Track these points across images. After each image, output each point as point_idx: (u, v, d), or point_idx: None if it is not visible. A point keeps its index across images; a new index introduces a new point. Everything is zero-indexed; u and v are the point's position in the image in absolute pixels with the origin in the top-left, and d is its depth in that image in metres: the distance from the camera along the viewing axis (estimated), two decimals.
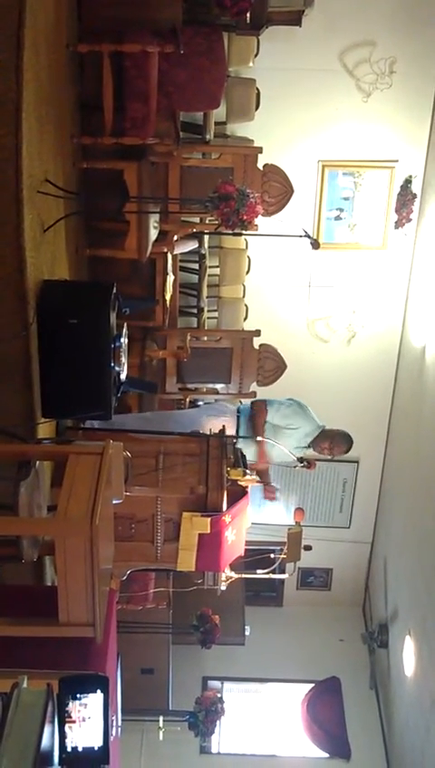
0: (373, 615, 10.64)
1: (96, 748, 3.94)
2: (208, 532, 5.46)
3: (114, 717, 5.46)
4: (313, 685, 10.20)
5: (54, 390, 5.38)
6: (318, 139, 8.63)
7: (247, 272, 8.83)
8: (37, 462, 4.80)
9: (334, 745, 9.73)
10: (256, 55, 7.98)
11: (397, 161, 8.70)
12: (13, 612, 4.38)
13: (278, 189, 7.49)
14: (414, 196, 8.75)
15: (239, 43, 7.78)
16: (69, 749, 3.87)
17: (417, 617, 8.55)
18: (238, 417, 7.16)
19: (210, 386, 8.09)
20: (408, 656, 8.78)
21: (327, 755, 9.71)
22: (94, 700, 3.92)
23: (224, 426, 6.47)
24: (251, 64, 8.01)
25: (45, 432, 5.69)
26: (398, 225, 8.86)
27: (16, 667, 4.18)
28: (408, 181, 8.74)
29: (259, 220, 6.23)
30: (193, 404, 8.40)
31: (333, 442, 7.13)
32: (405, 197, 8.77)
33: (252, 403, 7.25)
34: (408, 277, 9.25)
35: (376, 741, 9.79)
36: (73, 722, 3.88)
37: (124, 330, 5.57)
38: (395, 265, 9.21)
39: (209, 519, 5.48)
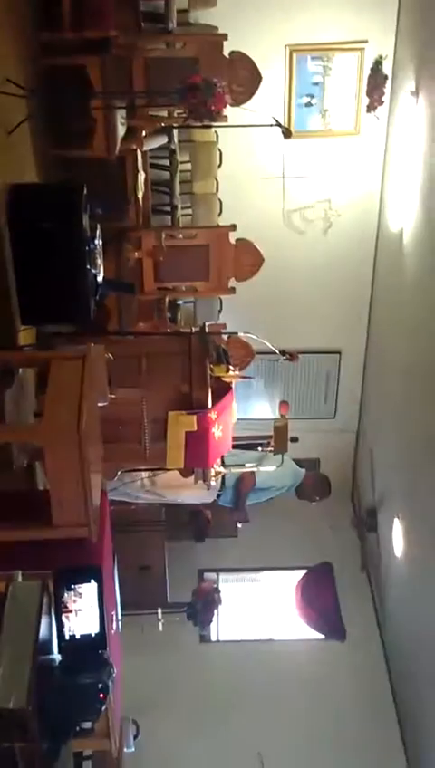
0: (362, 502, 10.84)
1: (93, 635, 4.20)
2: (195, 429, 5.51)
3: (114, 613, 5.62)
4: (306, 571, 10.45)
5: (32, 297, 5.34)
6: (285, 24, 8.35)
7: (219, 165, 8.67)
8: (20, 370, 4.81)
9: (329, 627, 10.02)
10: None
11: (366, 42, 8.44)
12: (8, 517, 4.45)
13: (246, 77, 7.29)
14: (385, 77, 8.51)
15: None
16: (67, 637, 4.11)
17: (404, 499, 8.73)
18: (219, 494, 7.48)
19: (189, 284, 8.03)
20: (397, 537, 8.98)
21: (323, 637, 10.01)
22: (88, 590, 4.20)
23: (204, 323, 6.45)
24: None
25: (26, 340, 5.67)
26: (370, 108, 8.64)
27: (14, 570, 4.26)
28: (378, 62, 8.48)
29: (228, 110, 6.09)
30: (173, 303, 8.34)
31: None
32: (376, 80, 8.53)
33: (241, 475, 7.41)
34: (382, 161, 9.10)
35: (370, 620, 10.08)
36: (70, 612, 4.15)
37: (98, 231, 5.50)
38: (369, 150, 9.04)
39: (195, 416, 5.52)
